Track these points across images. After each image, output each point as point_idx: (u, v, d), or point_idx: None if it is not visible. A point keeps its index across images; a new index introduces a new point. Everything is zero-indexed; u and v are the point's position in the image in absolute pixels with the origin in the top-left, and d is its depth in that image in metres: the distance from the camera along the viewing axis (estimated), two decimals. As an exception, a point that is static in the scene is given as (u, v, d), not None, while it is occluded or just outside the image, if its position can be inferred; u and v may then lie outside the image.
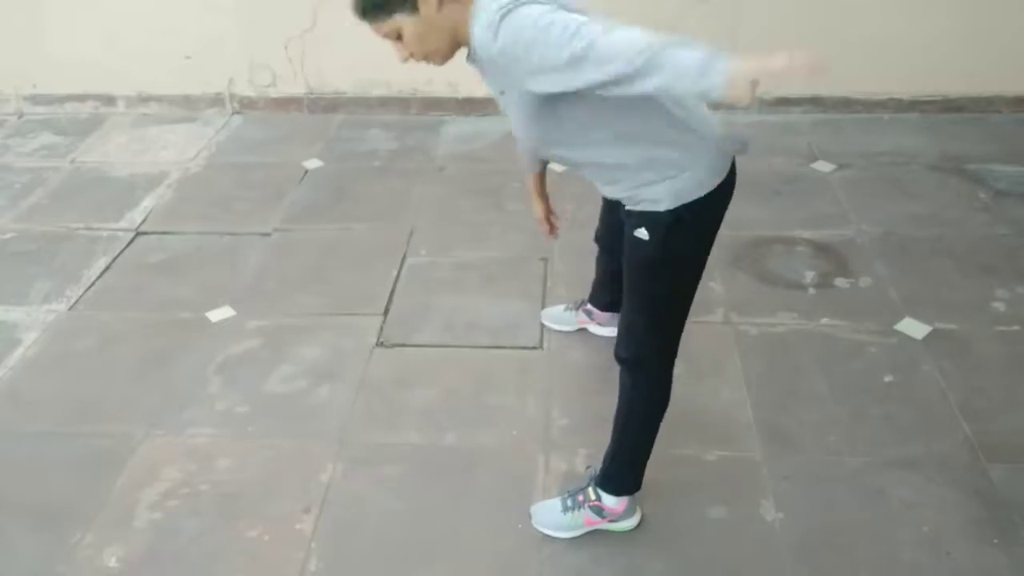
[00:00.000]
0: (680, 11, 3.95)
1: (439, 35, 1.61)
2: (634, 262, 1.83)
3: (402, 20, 1.59)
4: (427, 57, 1.66)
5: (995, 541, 2.06)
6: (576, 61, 1.43)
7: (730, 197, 1.82)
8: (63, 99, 4.47)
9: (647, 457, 2.05)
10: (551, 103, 1.58)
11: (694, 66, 1.36)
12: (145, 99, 4.43)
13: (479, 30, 1.54)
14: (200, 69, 4.32)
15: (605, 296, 2.63)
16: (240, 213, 3.54)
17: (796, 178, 3.62)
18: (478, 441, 2.40)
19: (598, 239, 2.43)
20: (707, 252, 1.86)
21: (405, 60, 1.67)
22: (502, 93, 1.68)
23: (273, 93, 4.35)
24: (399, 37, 1.63)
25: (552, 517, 2.11)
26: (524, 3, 1.49)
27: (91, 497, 2.27)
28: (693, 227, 1.76)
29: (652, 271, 1.82)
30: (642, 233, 1.76)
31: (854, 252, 3.12)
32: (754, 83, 1.35)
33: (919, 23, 3.89)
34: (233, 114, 4.40)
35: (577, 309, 2.74)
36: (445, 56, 1.66)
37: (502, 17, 1.49)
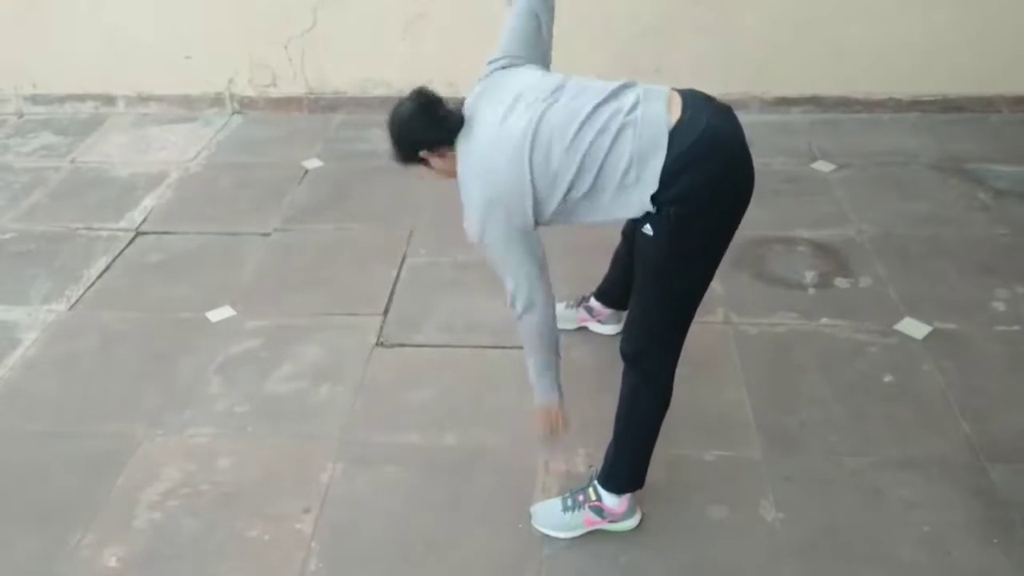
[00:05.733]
0: (680, 11, 3.95)
1: (452, 170, 1.96)
2: (642, 259, 1.87)
3: (422, 168, 2.03)
4: (452, 177, 1.98)
5: (995, 541, 2.06)
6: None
7: (738, 183, 1.82)
8: (63, 99, 4.48)
9: (649, 455, 2.06)
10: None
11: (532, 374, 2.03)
12: (145, 99, 4.43)
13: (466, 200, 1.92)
14: (200, 69, 4.32)
15: (616, 292, 2.61)
16: (240, 213, 3.54)
17: (796, 178, 3.62)
18: (478, 441, 2.40)
19: (625, 232, 2.43)
20: (717, 250, 1.87)
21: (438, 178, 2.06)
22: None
23: (273, 93, 4.35)
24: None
25: (552, 517, 2.11)
26: (488, 219, 1.86)
27: (91, 497, 2.27)
28: (696, 217, 1.77)
29: (659, 267, 1.84)
30: (647, 229, 1.80)
31: (854, 252, 3.12)
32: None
33: (919, 23, 3.89)
34: (233, 114, 4.40)
35: (578, 306, 2.74)
36: None
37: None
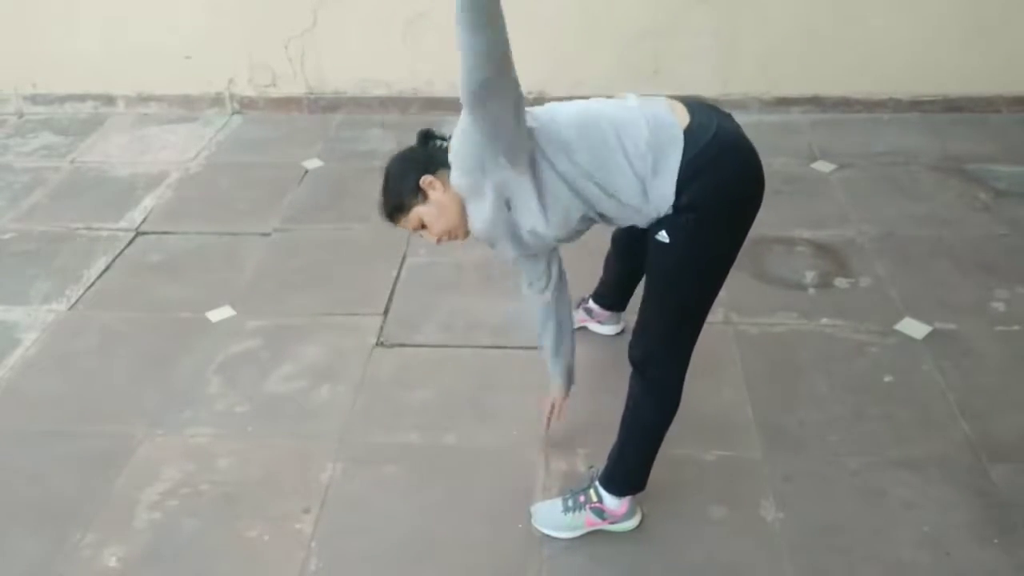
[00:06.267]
0: (680, 11, 3.95)
1: (451, 211, 1.83)
2: (656, 266, 1.84)
3: (419, 210, 1.85)
4: (451, 233, 1.87)
5: (995, 541, 2.06)
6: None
7: (751, 186, 1.80)
8: (63, 99, 4.48)
9: (652, 459, 2.05)
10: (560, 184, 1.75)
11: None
12: (145, 99, 4.44)
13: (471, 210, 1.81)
14: (200, 69, 4.32)
15: (612, 297, 2.63)
16: (240, 213, 3.54)
17: (796, 178, 3.62)
18: (478, 441, 2.40)
19: (615, 239, 2.43)
20: (732, 256, 1.85)
21: (438, 242, 1.90)
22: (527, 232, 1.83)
23: (273, 93, 4.35)
24: (423, 226, 1.87)
25: (552, 517, 2.11)
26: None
27: (91, 497, 2.27)
28: (714, 222, 1.76)
29: (675, 276, 1.82)
30: (663, 236, 1.77)
31: (854, 252, 3.12)
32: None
33: (919, 23, 3.90)
34: (233, 114, 4.40)
35: (577, 307, 2.73)
36: (466, 229, 1.87)
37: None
